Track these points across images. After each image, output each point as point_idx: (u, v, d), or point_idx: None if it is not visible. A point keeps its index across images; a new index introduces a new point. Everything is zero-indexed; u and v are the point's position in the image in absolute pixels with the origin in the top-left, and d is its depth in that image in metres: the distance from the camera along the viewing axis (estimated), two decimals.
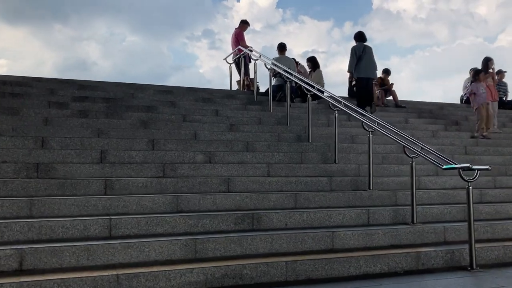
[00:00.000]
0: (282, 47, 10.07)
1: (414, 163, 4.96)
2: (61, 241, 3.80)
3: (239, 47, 10.33)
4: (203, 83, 31.95)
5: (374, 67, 9.75)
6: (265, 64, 8.86)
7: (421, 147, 5.04)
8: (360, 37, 9.78)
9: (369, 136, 5.78)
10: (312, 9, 34.21)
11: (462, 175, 4.18)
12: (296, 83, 8.24)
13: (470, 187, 4.19)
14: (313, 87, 7.25)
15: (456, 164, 4.42)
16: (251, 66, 10.77)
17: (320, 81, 10.06)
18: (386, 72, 11.54)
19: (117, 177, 5.08)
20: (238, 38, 10.79)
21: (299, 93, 9.81)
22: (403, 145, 5.07)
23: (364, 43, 9.71)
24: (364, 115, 6.02)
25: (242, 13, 32.66)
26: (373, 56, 9.66)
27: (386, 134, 5.59)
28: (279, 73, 8.75)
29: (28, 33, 30.65)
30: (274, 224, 4.56)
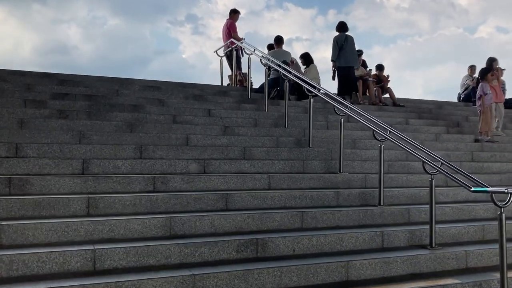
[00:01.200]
0: (278, 40, 9.50)
1: (434, 180, 4.49)
2: (36, 280, 3.22)
3: (232, 39, 9.71)
4: (185, 68, 31.35)
5: (355, 56, 9.98)
6: (260, 60, 8.29)
7: (442, 162, 4.57)
8: (341, 27, 9.98)
9: (381, 146, 5.28)
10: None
11: (495, 200, 3.71)
12: (285, 76, 7.67)
13: (503, 214, 3.73)
14: (314, 87, 6.72)
15: (487, 187, 3.95)
16: (243, 59, 10.20)
17: (317, 76, 9.54)
18: (380, 68, 11.06)
19: (102, 193, 4.49)
20: (230, 29, 10.18)
21: (294, 90, 9.30)
22: (423, 161, 4.58)
23: (346, 33, 9.89)
24: (377, 125, 5.49)
25: None
26: (354, 46, 9.92)
27: (402, 146, 5.10)
28: (268, 64, 8.21)
29: (6, 13, 29.28)
30: (280, 250, 4.05)
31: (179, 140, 6.11)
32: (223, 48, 10.44)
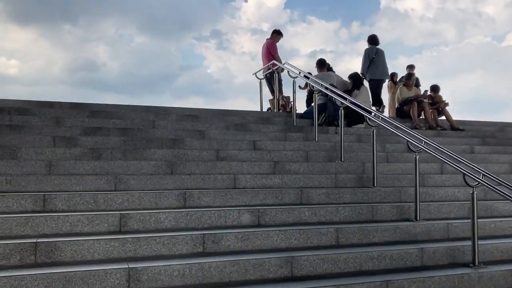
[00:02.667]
0: (322, 64, 8.71)
1: None
2: None
3: (273, 61, 8.96)
4: (210, 83, 31.25)
5: (385, 69, 10.05)
6: (310, 85, 7.48)
7: None
8: (372, 40, 10.09)
9: (473, 193, 4.36)
10: (319, 10, 33.64)
11: None
12: (341, 103, 6.83)
13: None
14: (378, 117, 5.86)
15: None
16: (284, 82, 9.45)
17: (368, 100, 8.67)
18: (434, 89, 10.05)
19: (144, 258, 3.75)
20: (271, 50, 9.44)
21: (344, 116, 8.45)
22: None
23: (377, 46, 9.98)
24: (468, 167, 4.59)
25: (249, 13, 31.89)
26: (384, 59, 10.00)
27: (502, 194, 4.19)
28: (319, 90, 7.40)
29: (38, 34, 29.81)
30: None
31: (226, 182, 5.34)
32: (262, 70, 9.71)
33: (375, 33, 10.21)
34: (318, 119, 8.00)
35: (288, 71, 8.09)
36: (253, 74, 9.88)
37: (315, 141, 7.23)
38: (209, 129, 7.21)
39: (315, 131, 7.27)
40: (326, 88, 7.12)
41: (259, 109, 9.88)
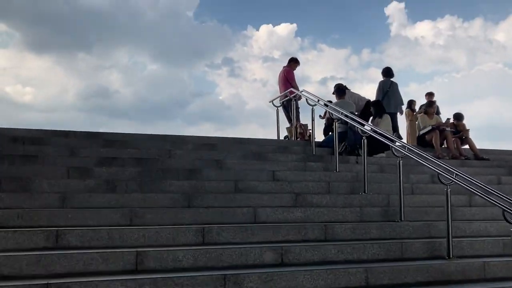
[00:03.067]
0: (341, 91, 8.49)
1: None
2: None
3: (291, 89, 8.81)
4: (222, 109, 31.62)
5: (399, 102, 9.94)
6: (329, 113, 7.28)
7: None
8: (387, 73, 9.98)
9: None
10: (329, 37, 34.37)
11: None
12: (363, 131, 6.58)
13: None
14: (404, 147, 5.62)
15: None
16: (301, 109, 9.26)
17: (389, 128, 8.42)
18: (458, 118, 9.76)
19: None
20: (288, 78, 9.31)
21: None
22: None
23: (391, 79, 9.85)
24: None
25: (261, 41, 32.49)
26: (398, 92, 9.89)
27: None
28: (339, 118, 7.18)
29: (53, 62, 30.38)
30: None
31: (245, 216, 5.09)
32: (279, 97, 9.55)
33: (389, 66, 10.19)
34: (339, 147, 7.78)
35: (306, 99, 7.91)
36: (269, 102, 9.73)
37: (336, 171, 6.97)
38: (227, 158, 7.01)
39: (336, 161, 7.02)
40: (347, 116, 6.91)
41: (275, 137, 9.68)
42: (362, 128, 6.31)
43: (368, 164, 7.53)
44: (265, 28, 32.47)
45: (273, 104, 9.62)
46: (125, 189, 5.41)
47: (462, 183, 4.76)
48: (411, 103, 11.70)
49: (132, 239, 4.29)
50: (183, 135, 7.83)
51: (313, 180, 6.56)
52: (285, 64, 9.73)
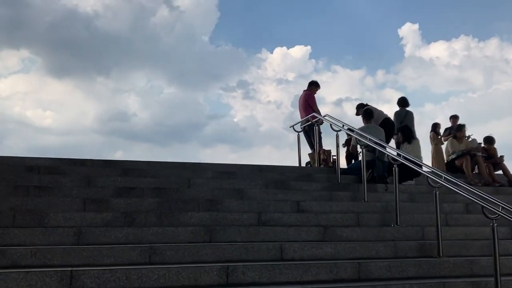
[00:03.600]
0: (368, 115, 8.17)
1: None
2: None
3: (313, 114, 8.51)
4: (237, 131, 31.78)
5: (413, 132, 9.16)
6: (356, 139, 6.94)
7: None
8: (402, 102, 9.74)
9: None
10: (344, 59, 34.58)
11: None
12: (393, 159, 6.21)
13: None
14: (440, 176, 5.23)
15: None
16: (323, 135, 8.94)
17: (419, 155, 8.04)
18: (489, 141, 9.34)
19: None
20: (309, 102, 9.03)
21: (389, 172, 7.84)
22: None
23: (407, 108, 9.62)
24: None
25: (275, 64, 32.72)
26: (413, 121, 9.55)
27: None
28: (367, 145, 6.83)
29: (72, 85, 30.91)
30: None
31: (271, 252, 4.74)
32: (300, 123, 9.25)
33: (404, 96, 9.92)
34: (367, 175, 7.42)
35: (330, 124, 7.59)
36: (290, 127, 9.43)
37: (365, 201, 6.60)
38: (248, 187, 6.69)
39: (364, 190, 6.65)
40: (376, 143, 6.56)
41: (295, 163, 9.35)
42: (393, 156, 5.95)
43: (389, 193, 7.19)
44: (279, 51, 32.70)
45: (294, 129, 9.33)
46: (144, 222, 5.12)
47: (509, 216, 4.36)
48: (435, 126, 11.34)
49: (151, 280, 3.97)
50: (202, 163, 7.56)
51: (341, 211, 6.20)
52: (303, 87, 9.53)
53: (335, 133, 7.63)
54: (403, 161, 5.82)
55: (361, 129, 7.57)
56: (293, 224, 5.56)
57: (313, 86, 9.40)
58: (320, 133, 8.76)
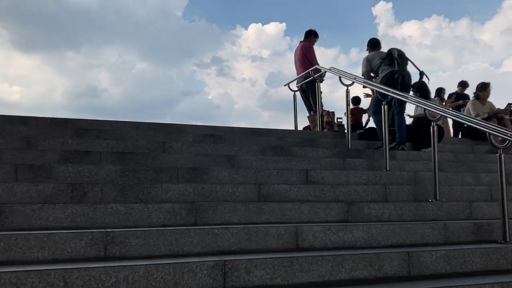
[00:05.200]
0: (376, 44, 6.67)
1: None
2: None
3: (316, 66, 7.05)
4: (211, 109, 30.79)
5: None
6: (375, 92, 5.52)
7: None
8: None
9: None
10: (319, 37, 33.77)
11: None
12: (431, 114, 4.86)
13: None
14: (506, 133, 3.89)
15: None
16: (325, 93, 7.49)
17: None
18: None
19: None
20: (308, 56, 7.55)
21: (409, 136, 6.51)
22: None
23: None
24: None
25: (250, 41, 31.65)
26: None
27: None
28: (391, 99, 5.46)
29: (40, 60, 28.92)
30: None
31: (283, 238, 3.32)
32: (296, 80, 7.79)
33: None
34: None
35: (340, 78, 6.14)
36: (284, 86, 7.96)
37: (386, 170, 5.25)
38: (240, 153, 5.25)
39: (386, 156, 5.28)
40: (403, 96, 5.17)
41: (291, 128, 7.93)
42: (433, 110, 4.57)
43: (418, 161, 5.90)
44: (254, 27, 31.54)
45: (289, 88, 7.87)
46: (100, 197, 3.62)
47: None
48: (440, 92, 10.23)
49: (105, 286, 2.51)
50: (180, 124, 6.05)
51: (361, 182, 4.84)
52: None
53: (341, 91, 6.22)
54: (457, 118, 4.45)
55: (368, 58, 6.23)
56: (305, 199, 4.17)
57: (312, 36, 7.89)
58: (320, 92, 7.30)
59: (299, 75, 7.63)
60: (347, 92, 6.18)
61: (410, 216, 4.15)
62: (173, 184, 3.95)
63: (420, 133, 6.58)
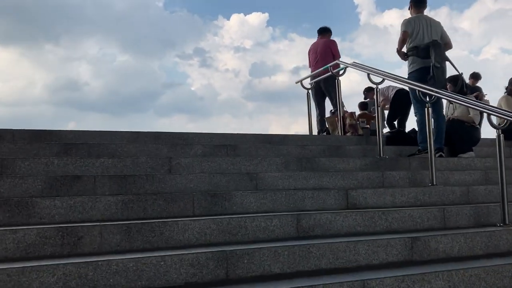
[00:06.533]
0: (419, 2, 5.72)
1: None
2: None
3: (336, 61, 6.22)
4: (194, 100, 30.04)
5: None
6: (417, 93, 4.68)
7: None
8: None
9: None
10: (300, 27, 34.20)
11: None
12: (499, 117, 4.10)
13: None
14: None
15: None
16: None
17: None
18: None
19: None
20: (334, 52, 6.82)
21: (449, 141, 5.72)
22: None
23: None
24: None
25: (232, 31, 30.89)
26: None
27: None
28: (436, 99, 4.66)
29: (19, 54, 27.52)
30: None
31: None
32: (310, 77, 6.94)
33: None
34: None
35: (368, 75, 5.31)
36: (296, 83, 7.09)
37: (433, 184, 4.46)
38: (261, 168, 4.41)
39: (432, 169, 4.48)
40: (454, 97, 4.37)
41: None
42: (500, 115, 3.77)
43: (458, 170, 5.14)
44: (236, 18, 30.84)
45: (302, 85, 7.00)
46: (98, 244, 2.75)
47: None
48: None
49: None
50: (185, 133, 5.16)
51: (409, 202, 4.06)
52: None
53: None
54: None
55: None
56: (355, 231, 3.37)
57: (330, 33, 7.20)
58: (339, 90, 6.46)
59: (315, 71, 6.77)
60: (377, 91, 5.36)
61: (483, 249, 3.37)
62: (191, 220, 3.08)
63: (454, 136, 5.83)
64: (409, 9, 5.79)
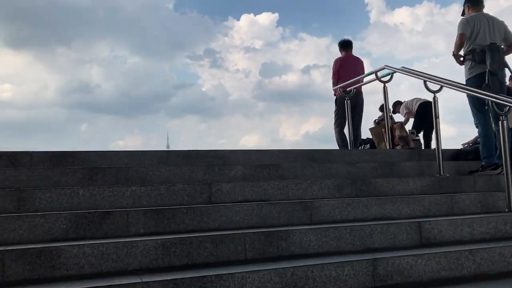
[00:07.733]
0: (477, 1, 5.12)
1: None
2: None
3: (385, 66, 5.63)
4: (205, 101, 29.45)
5: None
6: (491, 104, 4.08)
7: None
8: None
9: None
10: (310, 27, 32.80)
11: None
12: None
13: None
14: None
15: None
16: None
17: None
18: None
19: None
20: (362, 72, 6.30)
21: None
22: None
23: None
24: None
25: (242, 32, 30.20)
26: None
27: None
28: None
29: (32, 57, 27.30)
30: None
31: None
32: (349, 84, 6.35)
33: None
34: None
35: (424, 82, 4.72)
36: (334, 88, 6.48)
37: (510, 210, 3.85)
38: (310, 193, 3.85)
39: (509, 192, 3.88)
40: None
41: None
42: None
43: None
44: (246, 18, 30.08)
45: (341, 91, 6.39)
46: None
47: None
48: None
49: None
50: (220, 150, 4.60)
51: (489, 234, 3.47)
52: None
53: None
54: None
55: (464, 23, 4.79)
56: (439, 278, 2.79)
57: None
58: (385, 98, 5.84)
59: (355, 78, 6.16)
60: (434, 99, 4.76)
61: None
62: (248, 272, 2.53)
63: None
64: (463, 12, 5.18)
